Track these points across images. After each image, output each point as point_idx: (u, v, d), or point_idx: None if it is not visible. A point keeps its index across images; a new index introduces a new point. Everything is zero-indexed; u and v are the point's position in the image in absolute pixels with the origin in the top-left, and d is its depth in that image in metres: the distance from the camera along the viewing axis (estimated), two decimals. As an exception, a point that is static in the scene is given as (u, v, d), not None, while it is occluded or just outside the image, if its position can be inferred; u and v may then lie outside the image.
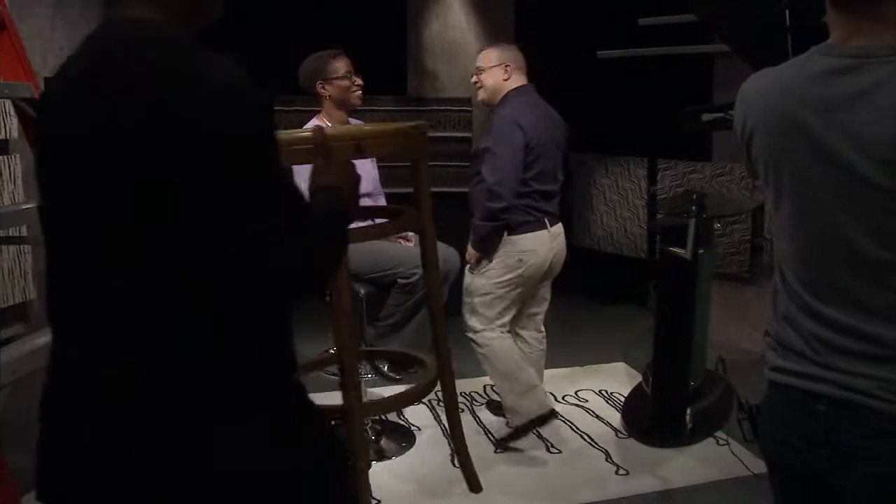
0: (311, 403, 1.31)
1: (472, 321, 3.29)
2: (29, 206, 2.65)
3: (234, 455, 1.13)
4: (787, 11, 1.71)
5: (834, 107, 1.27)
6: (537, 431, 3.44)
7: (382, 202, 3.52)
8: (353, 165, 1.52)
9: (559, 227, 3.32)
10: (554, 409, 3.34)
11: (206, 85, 1.12)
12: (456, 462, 3.27)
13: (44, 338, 1.93)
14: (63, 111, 1.18)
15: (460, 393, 3.62)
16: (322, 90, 3.32)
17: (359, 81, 3.36)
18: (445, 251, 3.39)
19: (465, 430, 3.10)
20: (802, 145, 1.31)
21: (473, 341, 3.31)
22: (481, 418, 3.71)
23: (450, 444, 3.42)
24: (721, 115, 2.03)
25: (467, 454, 3.03)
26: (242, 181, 1.11)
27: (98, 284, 1.14)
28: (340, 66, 3.32)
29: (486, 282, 3.23)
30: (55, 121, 1.21)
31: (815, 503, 1.42)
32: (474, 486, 3.00)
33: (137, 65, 1.12)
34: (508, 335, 3.33)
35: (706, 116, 2.10)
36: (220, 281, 1.10)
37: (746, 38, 1.95)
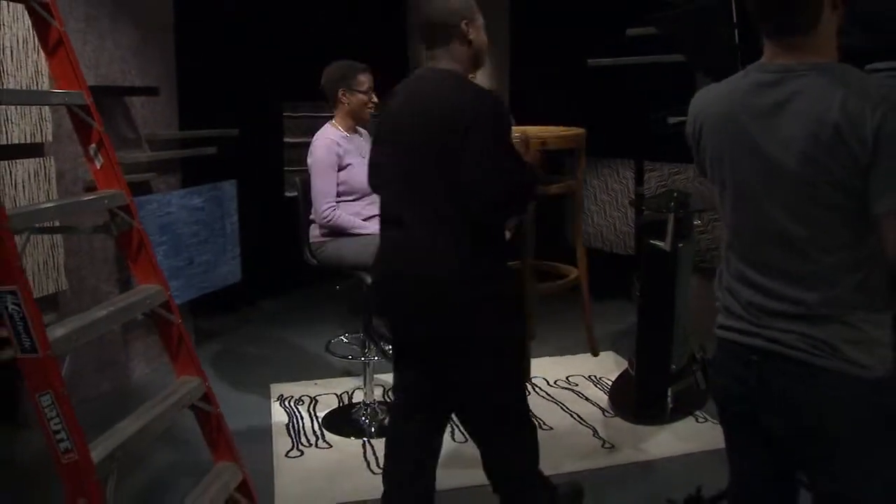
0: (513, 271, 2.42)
1: None
2: (65, 201, 2.95)
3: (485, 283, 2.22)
4: (735, 31, 2.02)
5: (763, 113, 1.55)
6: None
7: None
8: (540, 152, 2.66)
9: None
10: None
11: (480, 98, 2.22)
12: (456, 437, 3.57)
13: (100, 312, 2.22)
14: (399, 112, 2.33)
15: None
16: (343, 98, 3.53)
17: (374, 99, 3.59)
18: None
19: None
20: (739, 144, 1.60)
21: None
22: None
23: (451, 423, 3.71)
24: (684, 118, 2.29)
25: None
26: (493, 146, 2.15)
27: (404, 203, 2.28)
28: (365, 80, 3.55)
29: None
30: (393, 118, 2.36)
31: (751, 437, 1.70)
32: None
33: (445, 88, 2.27)
34: None
35: (671, 120, 2.38)
36: (476, 195, 2.15)
37: (702, 54, 2.24)
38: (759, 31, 1.59)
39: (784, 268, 1.57)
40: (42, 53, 3.43)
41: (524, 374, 3.15)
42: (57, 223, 3.23)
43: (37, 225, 2.48)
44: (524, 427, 2.54)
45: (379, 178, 2.48)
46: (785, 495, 1.77)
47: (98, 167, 2.41)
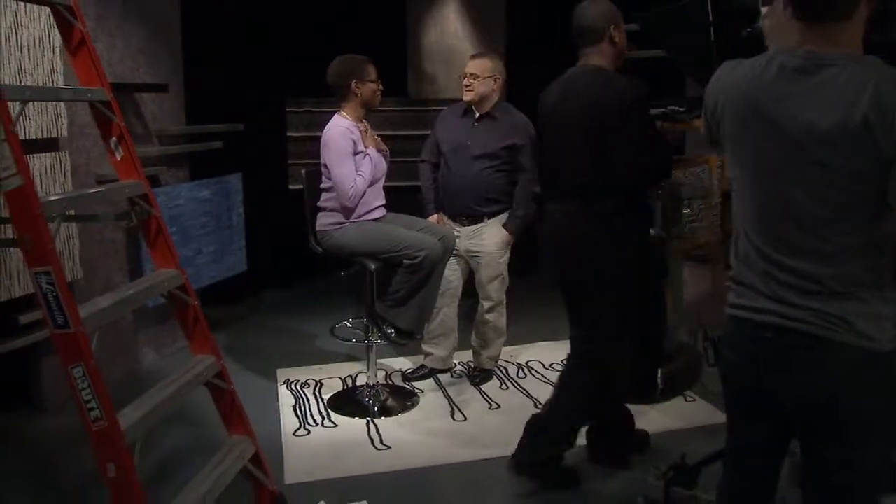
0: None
1: (502, 293, 4.07)
2: (91, 190, 3.10)
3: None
4: (711, 29, 2.17)
5: (788, 97, 1.61)
6: (526, 391, 3.94)
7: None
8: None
9: None
10: None
11: (628, 89, 2.74)
12: (455, 416, 3.74)
13: (125, 292, 2.39)
14: (558, 104, 2.94)
15: (474, 366, 4.12)
16: (356, 89, 3.70)
17: (381, 87, 3.81)
18: (446, 231, 3.85)
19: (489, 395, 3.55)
20: (763, 126, 1.66)
21: (500, 311, 4.12)
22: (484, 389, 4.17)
23: (451, 404, 3.90)
24: (663, 109, 2.47)
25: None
26: (637, 132, 2.74)
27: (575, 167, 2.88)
28: (372, 70, 3.75)
29: (506, 257, 4.04)
30: (552, 108, 2.98)
31: (757, 410, 1.80)
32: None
33: (596, 82, 2.82)
34: None
35: (653, 111, 2.54)
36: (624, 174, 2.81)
37: (680, 50, 2.39)
38: (791, 12, 1.62)
39: (801, 245, 1.63)
40: (56, 52, 3.60)
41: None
42: (72, 212, 3.39)
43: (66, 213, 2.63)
44: None
45: (544, 158, 3.15)
46: (776, 464, 1.89)
47: (119, 159, 2.56)
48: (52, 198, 2.28)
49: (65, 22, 2.50)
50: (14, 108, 2.12)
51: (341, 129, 3.66)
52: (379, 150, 3.76)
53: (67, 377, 2.08)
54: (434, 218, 4.06)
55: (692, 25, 2.21)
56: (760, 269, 1.70)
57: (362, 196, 3.65)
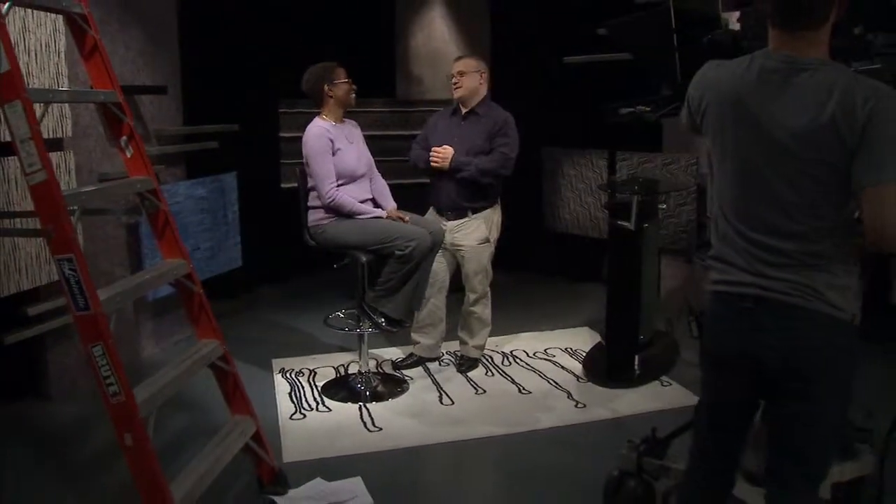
0: None
1: (486, 285, 4.26)
2: (106, 185, 3.27)
3: None
4: (674, 35, 2.38)
5: (767, 96, 1.83)
6: (510, 377, 4.16)
7: (378, 178, 4.16)
8: None
9: None
10: None
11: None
12: (443, 401, 3.95)
13: (139, 279, 2.58)
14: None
15: (461, 355, 4.34)
16: (329, 92, 3.95)
17: (354, 86, 4.04)
18: (435, 224, 4.06)
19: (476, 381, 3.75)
20: (743, 122, 1.88)
21: (485, 303, 4.31)
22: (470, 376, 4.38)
23: (439, 390, 4.10)
24: (632, 109, 2.67)
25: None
26: None
27: None
28: (341, 72, 3.99)
29: (489, 251, 4.21)
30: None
31: (735, 369, 1.99)
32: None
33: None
34: None
35: (623, 110, 2.74)
36: None
37: (646, 55, 2.60)
38: (770, 20, 1.84)
39: (777, 227, 1.85)
40: (61, 56, 3.78)
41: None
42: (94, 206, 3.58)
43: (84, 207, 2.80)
44: None
45: None
46: (744, 425, 2.11)
47: (129, 156, 2.76)
48: (73, 191, 2.47)
49: (79, 29, 2.69)
50: (38, 109, 2.31)
51: (317, 130, 3.88)
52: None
53: (88, 356, 2.27)
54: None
55: (656, 32, 2.42)
56: (740, 247, 1.93)
57: (344, 199, 3.84)
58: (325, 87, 3.93)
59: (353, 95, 4.03)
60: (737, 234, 1.93)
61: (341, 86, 3.95)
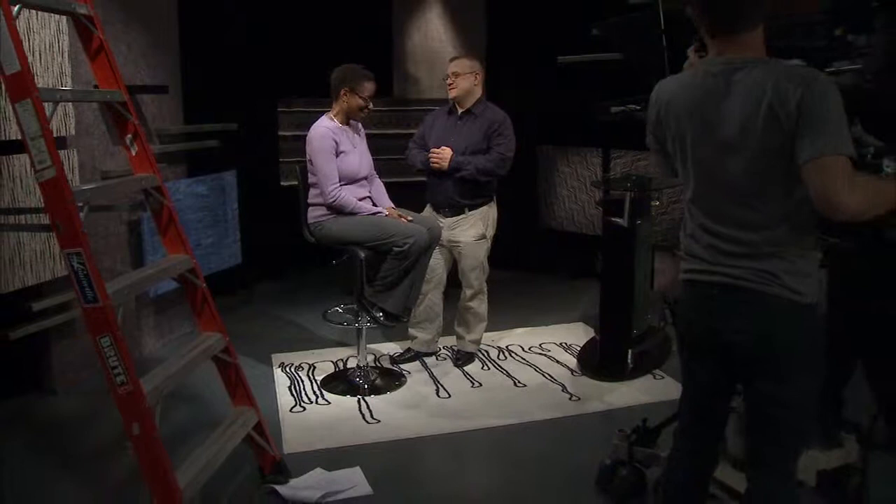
0: None
1: (482, 281, 4.33)
2: (113, 182, 3.35)
3: None
4: (663, 36, 2.46)
5: (711, 97, 1.97)
6: (506, 371, 4.24)
7: (376, 179, 4.24)
8: None
9: None
10: None
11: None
12: (440, 394, 4.03)
13: (144, 273, 2.65)
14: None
15: (457, 349, 4.41)
16: (344, 96, 4.00)
17: (370, 107, 4.08)
18: (433, 221, 4.14)
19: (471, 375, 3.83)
20: (696, 123, 2.02)
21: (481, 298, 4.37)
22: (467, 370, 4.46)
23: (436, 383, 4.18)
24: (623, 107, 2.74)
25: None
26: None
27: None
28: (368, 87, 4.02)
29: (485, 247, 4.28)
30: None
31: (708, 352, 2.11)
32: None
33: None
34: None
35: (614, 108, 2.82)
36: None
37: (637, 54, 2.68)
38: (706, 32, 1.98)
39: (735, 217, 1.99)
40: (65, 56, 3.85)
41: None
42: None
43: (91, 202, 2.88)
44: None
45: None
46: (722, 405, 2.22)
47: (134, 154, 2.83)
48: (81, 187, 2.54)
49: (85, 30, 2.76)
50: (48, 108, 2.38)
51: (322, 131, 3.95)
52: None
53: (96, 347, 2.34)
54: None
55: (646, 33, 2.50)
56: (706, 241, 2.06)
57: (346, 199, 3.92)
58: (343, 91, 3.99)
59: (363, 115, 4.08)
60: (701, 228, 2.06)
61: (358, 99, 3.99)
